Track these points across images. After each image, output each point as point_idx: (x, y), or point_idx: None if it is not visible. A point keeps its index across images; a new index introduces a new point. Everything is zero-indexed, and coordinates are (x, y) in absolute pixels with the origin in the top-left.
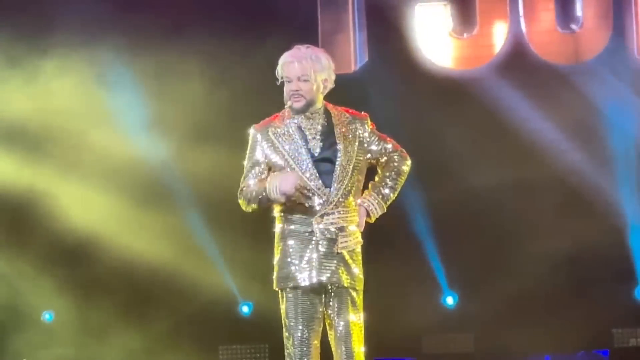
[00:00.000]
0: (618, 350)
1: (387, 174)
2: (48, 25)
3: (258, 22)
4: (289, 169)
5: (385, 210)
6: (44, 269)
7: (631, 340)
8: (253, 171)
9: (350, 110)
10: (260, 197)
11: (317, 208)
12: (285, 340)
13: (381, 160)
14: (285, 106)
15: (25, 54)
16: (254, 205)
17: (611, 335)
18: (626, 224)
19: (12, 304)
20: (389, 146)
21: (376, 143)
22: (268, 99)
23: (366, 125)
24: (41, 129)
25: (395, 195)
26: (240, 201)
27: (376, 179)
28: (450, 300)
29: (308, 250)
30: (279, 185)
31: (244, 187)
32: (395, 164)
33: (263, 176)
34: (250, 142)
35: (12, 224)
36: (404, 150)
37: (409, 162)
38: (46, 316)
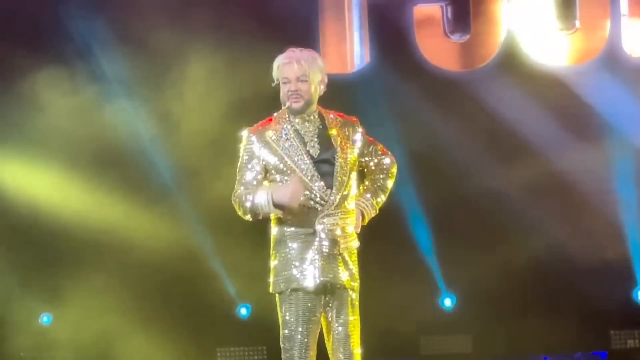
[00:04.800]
0: (616, 351)
1: (378, 176)
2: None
3: (257, 23)
4: (289, 172)
5: (377, 213)
6: (42, 271)
7: (629, 342)
8: (248, 175)
9: (341, 114)
10: (256, 210)
11: (319, 209)
12: (283, 343)
13: (370, 164)
14: (283, 107)
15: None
16: (249, 217)
17: (609, 337)
18: (624, 225)
19: (9, 307)
20: (379, 150)
21: (367, 147)
22: (267, 102)
23: (358, 130)
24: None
25: (386, 197)
26: (235, 206)
27: (366, 182)
28: (448, 302)
29: (310, 252)
30: (282, 198)
31: (237, 192)
32: (385, 167)
33: (258, 178)
34: (244, 145)
35: (11, 225)
36: (391, 154)
37: (396, 165)
38: (44, 319)
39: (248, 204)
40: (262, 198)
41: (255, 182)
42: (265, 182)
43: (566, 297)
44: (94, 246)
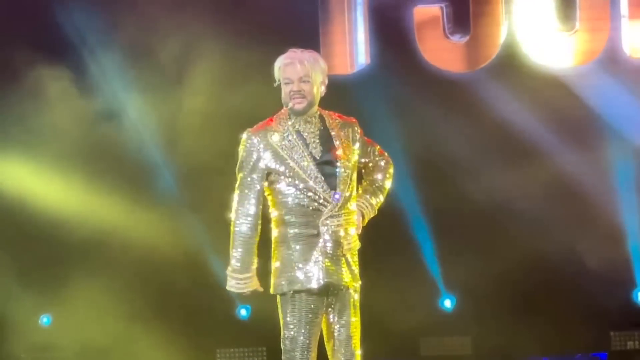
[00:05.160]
0: (616, 353)
1: (376, 177)
2: None
3: (258, 24)
4: (291, 174)
5: (376, 213)
6: (42, 271)
7: (629, 343)
8: (250, 179)
9: (339, 115)
10: (231, 256)
11: (323, 211)
12: (284, 344)
13: (369, 165)
14: (285, 107)
15: None
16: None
17: (609, 338)
18: (624, 226)
19: (9, 307)
20: (376, 151)
21: (366, 147)
22: (268, 102)
23: (357, 131)
24: None
25: (384, 198)
26: (232, 219)
27: (364, 183)
28: (448, 303)
29: (314, 253)
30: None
31: (240, 211)
32: (383, 168)
33: (260, 186)
34: (244, 148)
35: (12, 225)
36: (387, 155)
37: (393, 166)
38: (44, 320)
39: (233, 244)
40: (234, 263)
41: (255, 191)
42: (266, 184)
43: (566, 299)
44: (94, 247)
